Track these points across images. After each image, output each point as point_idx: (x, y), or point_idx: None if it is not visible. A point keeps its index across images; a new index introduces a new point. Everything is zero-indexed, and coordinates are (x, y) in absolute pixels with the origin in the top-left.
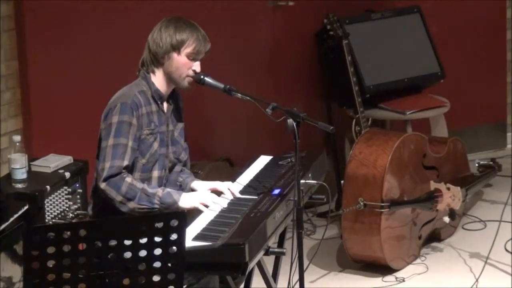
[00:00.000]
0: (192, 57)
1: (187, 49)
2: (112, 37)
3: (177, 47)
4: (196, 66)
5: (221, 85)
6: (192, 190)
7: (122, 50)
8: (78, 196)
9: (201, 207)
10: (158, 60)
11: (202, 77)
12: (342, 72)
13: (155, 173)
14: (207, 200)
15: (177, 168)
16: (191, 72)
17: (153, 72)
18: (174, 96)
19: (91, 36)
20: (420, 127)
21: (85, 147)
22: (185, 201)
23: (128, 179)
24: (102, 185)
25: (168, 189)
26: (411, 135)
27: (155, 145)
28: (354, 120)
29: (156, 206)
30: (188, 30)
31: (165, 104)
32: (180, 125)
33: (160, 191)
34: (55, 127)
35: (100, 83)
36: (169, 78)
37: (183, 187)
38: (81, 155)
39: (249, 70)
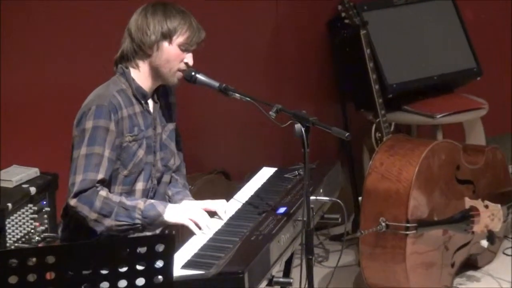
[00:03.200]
0: (184, 47)
1: (179, 38)
2: (88, 35)
3: (168, 36)
4: (189, 58)
5: (216, 84)
6: None
7: (97, 49)
8: (46, 216)
9: (191, 225)
10: (144, 51)
11: (193, 74)
12: (359, 68)
13: (139, 186)
14: (198, 217)
15: (166, 177)
16: (182, 65)
17: (136, 66)
18: (161, 91)
19: (63, 36)
20: (453, 133)
21: (55, 158)
22: (171, 214)
23: (103, 192)
24: (72, 202)
25: (150, 200)
26: (442, 143)
27: (140, 153)
28: (374, 125)
29: (138, 221)
30: (179, 17)
31: (150, 103)
32: (170, 126)
33: (141, 203)
34: (19, 134)
35: (74, 83)
36: (156, 72)
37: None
38: (50, 167)
39: (249, 66)
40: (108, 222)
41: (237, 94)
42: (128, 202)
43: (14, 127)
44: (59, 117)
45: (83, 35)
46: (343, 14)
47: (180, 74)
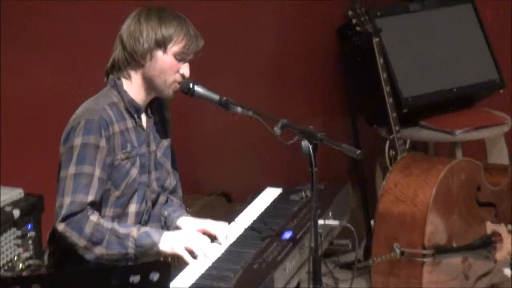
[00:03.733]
0: (180, 57)
1: (175, 47)
2: (80, 39)
3: (163, 44)
4: (185, 68)
5: (216, 97)
6: (178, 229)
7: (91, 55)
8: (31, 241)
9: (186, 256)
10: (136, 60)
11: (191, 85)
12: (371, 80)
13: (132, 208)
14: (194, 245)
15: (162, 199)
16: (178, 77)
17: (128, 77)
18: (156, 105)
19: (46, 54)
20: (473, 151)
21: (41, 177)
22: (168, 243)
23: (93, 217)
24: (61, 226)
25: (145, 228)
26: (462, 162)
27: (133, 172)
28: (387, 142)
29: (131, 250)
30: (175, 23)
31: (143, 117)
32: (165, 143)
33: (134, 231)
34: (2, 151)
35: (61, 97)
36: (150, 84)
37: (167, 225)
38: (35, 188)
39: (252, 78)
40: (99, 250)
41: (238, 108)
42: (121, 229)
43: None
44: (45, 133)
45: (68, 51)
46: (354, 21)
47: (176, 86)
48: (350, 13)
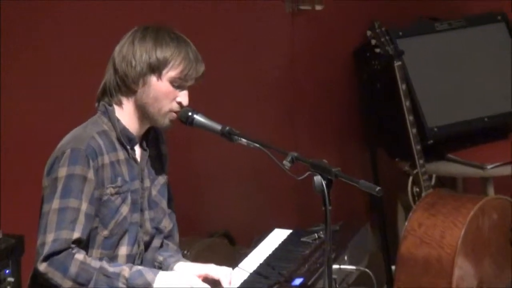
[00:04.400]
0: (177, 83)
1: (171, 72)
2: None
3: (157, 69)
4: (183, 96)
5: (218, 126)
6: None
7: (78, 79)
8: (9, 287)
9: None
10: (128, 86)
11: (190, 114)
12: (393, 108)
13: (123, 250)
14: (194, 285)
15: (156, 242)
16: (175, 106)
17: (120, 104)
18: (152, 136)
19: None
20: (507, 188)
21: (20, 216)
22: (163, 283)
23: (79, 255)
24: (42, 267)
25: (137, 266)
26: (494, 200)
27: (124, 209)
28: (411, 178)
29: None
30: (173, 45)
31: (137, 149)
32: (161, 180)
33: (126, 270)
34: None
35: (45, 125)
36: (143, 112)
37: (163, 271)
38: (14, 228)
39: (259, 105)
40: None
41: (243, 139)
42: (110, 268)
43: None
44: (25, 165)
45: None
46: (373, 42)
47: (173, 115)
48: (368, 33)
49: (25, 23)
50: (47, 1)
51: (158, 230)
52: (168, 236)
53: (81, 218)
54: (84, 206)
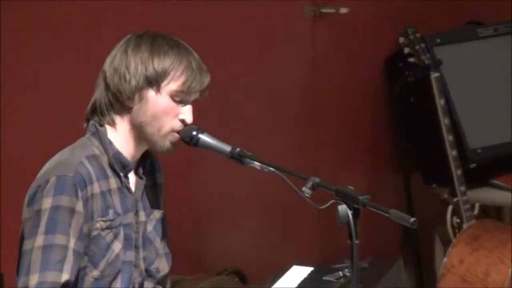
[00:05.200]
0: (179, 97)
1: (171, 85)
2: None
3: (155, 81)
4: (186, 113)
5: (227, 148)
6: None
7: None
8: None
9: None
10: (121, 102)
11: (195, 133)
12: (429, 126)
13: None
14: None
15: (148, 284)
16: (177, 124)
17: (113, 123)
18: (147, 163)
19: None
20: None
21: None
22: None
23: None
24: None
25: None
26: None
27: (116, 246)
28: (450, 207)
29: None
30: (172, 53)
31: (132, 177)
32: (157, 214)
33: None
34: None
35: (29, 146)
36: (141, 133)
37: None
38: None
39: (274, 123)
40: None
41: (256, 162)
42: None
43: None
44: (5, 196)
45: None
46: (406, 50)
47: (174, 136)
48: (401, 40)
49: (25, 23)
50: (47, 1)
51: (148, 273)
52: (161, 282)
53: (70, 257)
54: (72, 243)
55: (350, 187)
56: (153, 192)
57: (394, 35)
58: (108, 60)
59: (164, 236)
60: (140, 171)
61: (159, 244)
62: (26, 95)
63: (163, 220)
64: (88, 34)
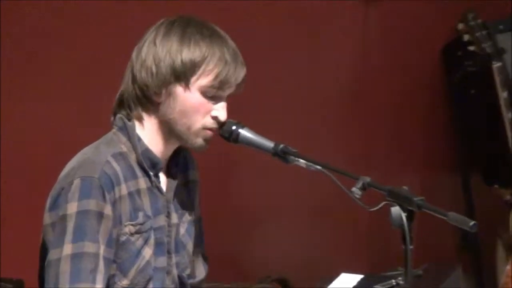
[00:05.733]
0: (211, 93)
1: (202, 80)
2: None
3: (183, 76)
4: (220, 110)
5: (269, 144)
6: None
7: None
8: None
9: None
10: (148, 97)
11: (234, 128)
12: (490, 121)
13: None
14: None
15: None
16: (209, 122)
17: (140, 119)
18: (180, 160)
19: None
20: None
21: (19, 258)
22: None
23: None
24: None
25: None
26: None
27: (147, 252)
28: None
29: None
30: (204, 44)
31: (162, 177)
32: (190, 216)
33: None
34: None
35: (52, 145)
36: (170, 130)
37: None
38: (13, 271)
39: (321, 119)
40: None
41: (301, 160)
42: None
43: None
44: (26, 199)
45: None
46: (466, 37)
47: (207, 133)
48: (460, 26)
49: (25, 23)
50: (47, 1)
51: (181, 280)
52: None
53: (101, 266)
54: (102, 250)
55: (405, 188)
56: (186, 191)
57: (452, 21)
58: (136, 50)
59: (199, 239)
60: (173, 170)
61: (192, 248)
62: (26, 95)
63: (196, 222)
64: (88, 34)
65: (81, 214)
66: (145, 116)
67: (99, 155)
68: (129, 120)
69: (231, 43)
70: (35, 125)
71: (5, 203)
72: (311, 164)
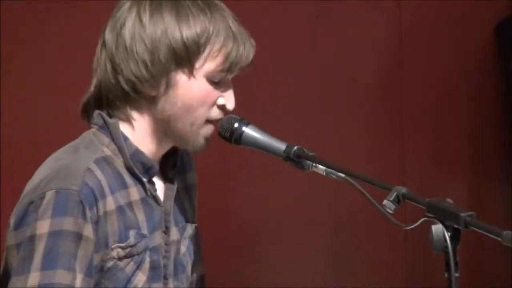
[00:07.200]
0: (218, 78)
1: (209, 63)
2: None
3: (186, 60)
4: (227, 97)
5: (281, 146)
6: None
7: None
8: None
9: None
10: (140, 92)
11: (237, 125)
12: None
13: None
14: None
15: None
16: (215, 112)
17: (128, 120)
18: (177, 160)
19: None
20: None
21: None
22: None
23: None
24: None
25: None
26: None
27: (139, 280)
28: None
29: None
30: (206, 18)
31: (158, 182)
32: (190, 230)
33: None
34: None
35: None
36: (166, 129)
37: None
38: None
39: (347, 117)
40: None
41: (320, 166)
42: None
43: None
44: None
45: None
46: None
47: (210, 128)
48: None
49: (25, 23)
50: (48, 1)
51: None
52: None
53: None
54: (78, 281)
55: (449, 200)
56: (186, 198)
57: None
58: (111, 30)
59: (198, 256)
60: (171, 172)
61: (191, 269)
62: (27, 96)
63: (195, 235)
64: (88, 34)
65: (54, 235)
66: (135, 115)
67: (78, 161)
68: (111, 117)
69: (232, 13)
70: (35, 125)
71: (5, 203)
72: (331, 171)
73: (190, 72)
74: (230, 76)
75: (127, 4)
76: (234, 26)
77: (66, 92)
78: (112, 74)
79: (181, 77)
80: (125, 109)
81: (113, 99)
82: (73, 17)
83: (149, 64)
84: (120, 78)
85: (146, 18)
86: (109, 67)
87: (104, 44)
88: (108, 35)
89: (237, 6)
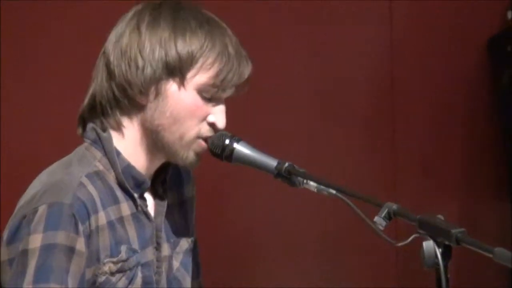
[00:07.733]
0: (209, 94)
1: (200, 76)
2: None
3: (178, 71)
4: (218, 114)
5: (272, 162)
6: None
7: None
8: None
9: None
10: (131, 97)
11: (228, 142)
12: None
13: None
14: None
15: None
16: (205, 129)
17: (118, 127)
18: (168, 176)
19: None
20: None
21: None
22: None
23: None
24: None
25: None
26: None
27: None
28: None
29: None
30: (202, 33)
31: (149, 198)
32: (185, 244)
33: None
34: None
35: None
36: (156, 141)
37: None
38: None
39: (337, 130)
40: None
41: (311, 183)
42: None
43: None
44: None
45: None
46: None
47: (201, 144)
48: (510, 14)
49: (25, 23)
50: (48, 1)
51: None
52: None
53: None
54: None
55: (440, 217)
56: (181, 214)
57: (500, 8)
58: (112, 39)
59: (196, 271)
60: (160, 189)
61: (188, 284)
62: (27, 96)
63: (193, 250)
64: (88, 34)
65: (47, 248)
66: (125, 122)
67: (70, 175)
68: (104, 130)
69: (232, 34)
70: (35, 125)
71: (5, 203)
72: (323, 188)
73: (181, 83)
74: (223, 94)
75: (129, 15)
76: (231, 44)
77: (66, 92)
78: (106, 80)
79: (171, 86)
80: (116, 115)
81: (105, 105)
82: (73, 17)
83: (140, 70)
84: (113, 83)
85: (143, 26)
86: (104, 73)
87: (104, 52)
88: (108, 44)
89: (222, 10)
